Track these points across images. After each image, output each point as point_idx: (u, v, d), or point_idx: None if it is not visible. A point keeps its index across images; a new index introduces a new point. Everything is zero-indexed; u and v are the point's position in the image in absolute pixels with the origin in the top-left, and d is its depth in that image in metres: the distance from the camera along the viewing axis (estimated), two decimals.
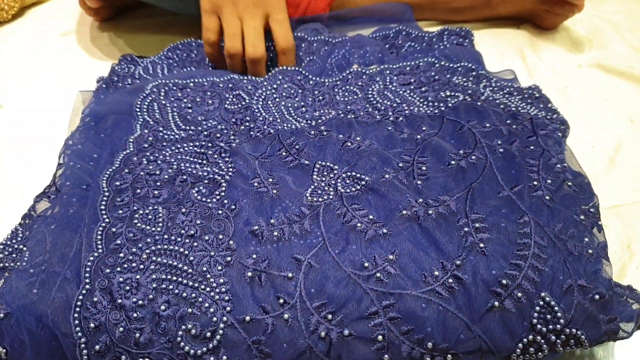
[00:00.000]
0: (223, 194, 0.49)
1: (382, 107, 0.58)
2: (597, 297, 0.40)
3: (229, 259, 0.43)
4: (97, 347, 0.40)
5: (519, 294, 0.39)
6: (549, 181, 0.47)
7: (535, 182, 0.47)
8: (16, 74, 0.81)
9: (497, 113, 0.55)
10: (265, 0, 0.65)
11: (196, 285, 0.42)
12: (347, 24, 0.79)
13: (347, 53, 0.69)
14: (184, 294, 0.41)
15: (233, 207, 0.47)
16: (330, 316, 0.39)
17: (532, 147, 0.51)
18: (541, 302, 0.39)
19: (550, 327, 0.39)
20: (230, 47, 0.65)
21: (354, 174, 0.49)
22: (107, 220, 0.47)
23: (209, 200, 0.48)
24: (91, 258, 0.44)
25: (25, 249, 0.47)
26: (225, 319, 0.40)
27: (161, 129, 0.57)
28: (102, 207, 0.48)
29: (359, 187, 0.48)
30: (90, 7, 0.85)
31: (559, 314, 0.39)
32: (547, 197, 0.45)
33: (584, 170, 0.50)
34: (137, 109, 0.59)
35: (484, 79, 0.62)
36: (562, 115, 0.56)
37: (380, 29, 0.76)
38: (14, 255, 0.47)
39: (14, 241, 0.49)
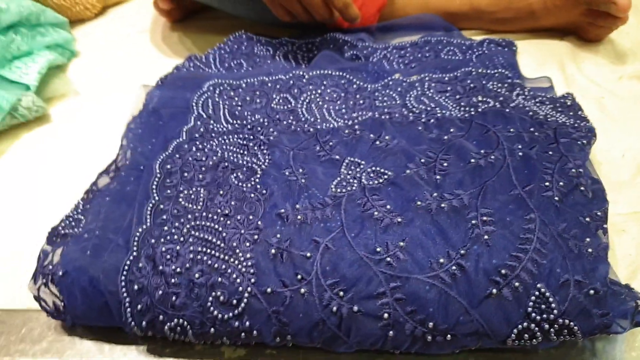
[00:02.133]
0: (258, 180, 0.54)
1: (417, 111, 0.62)
2: (592, 292, 0.42)
3: (256, 237, 0.48)
4: (139, 306, 0.46)
5: (517, 284, 0.42)
6: (561, 183, 0.49)
7: (547, 183, 0.49)
8: (94, 66, 0.90)
9: (523, 120, 0.57)
10: None
11: (226, 258, 0.47)
12: (392, 32, 0.83)
13: (388, 54, 0.74)
14: (216, 265, 0.46)
15: (264, 191, 0.52)
16: (342, 293, 0.44)
17: (551, 153, 0.53)
18: (537, 293, 0.42)
19: (545, 316, 0.42)
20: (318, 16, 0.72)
21: (378, 168, 0.53)
22: (156, 198, 0.53)
23: (244, 185, 0.54)
24: (140, 230, 0.50)
25: (82, 218, 0.54)
26: (249, 289, 0.45)
27: (212, 122, 0.63)
28: (154, 187, 0.54)
29: (381, 181, 0.52)
30: (163, 9, 0.93)
31: (553, 305, 0.42)
32: (557, 198, 0.48)
33: (600, 177, 0.51)
34: (194, 104, 0.66)
35: (518, 86, 0.64)
36: (591, 123, 0.58)
37: (423, 35, 0.79)
38: (73, 224, 0.54)
39: (75, 212, 0.56)
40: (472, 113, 0.60)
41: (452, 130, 0.57)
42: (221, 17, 0.95)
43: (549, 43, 0.79)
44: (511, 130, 0.55)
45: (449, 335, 0.42)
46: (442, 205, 0.48)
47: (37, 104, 0.77)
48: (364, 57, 0.76)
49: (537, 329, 0.42)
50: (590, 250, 0.44)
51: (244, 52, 0.79)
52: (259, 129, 0.61)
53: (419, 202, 0.48)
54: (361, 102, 0.65)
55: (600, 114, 0.67)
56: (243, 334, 0.45)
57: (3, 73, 0.77)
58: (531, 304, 0.42)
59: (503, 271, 0.43)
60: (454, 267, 0.43)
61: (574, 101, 0.62)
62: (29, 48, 0.82)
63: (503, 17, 0.79)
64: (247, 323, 0.44)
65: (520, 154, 0.52)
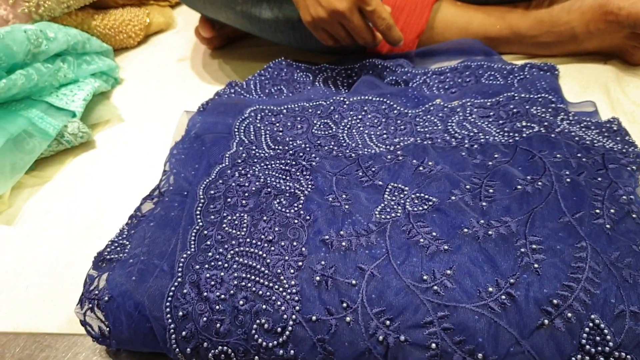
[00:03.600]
0: (301, 206, 0.54)
1: (460, 136, 0.62)
2: None
3: (300, 263, 0.48)
4: (183, 333, 0.46)
5: (569, 314, 0.41)
6: (612, 211, 0.48)
7: (597, 211, 0.48)
8: (137, 93, 0.92)
9: (569, 145, 0.57)
10: None
11: (271, 285, 0.47)
12: (431, 57, 0.83)
13: (427, 79, 0.74)
14: (260, 292, 0.46)
15: (308, 217, 0.52)
16: (388, 322, 0.43)
17: (599, 179, 0.52)
18: (591, 324, 0.41)
19: (599, 348, 0.40)
20: (315, 13, 0.72)
21: (422, 195, 0.53)
22: (200, 223, 0.53)
23: (287, 211, 0.54)
24: (184, 255, 0.50)
25: (128, 243, 0.55)
26: (294, 317, 0.44)
27: (254, 147, 0.64)
28: (197, 212, 0.55)
29: (426, 207, 0.51)
30: (204, 37, 0.95)
31: (608, 337, 0.40)
32: (608, 226, 0.47)
33: None
34: (236, 130, 0.66)
35: (562, 111, 0.63)
36: (639, 148, 0.57)
37: (463, 60, 0.79)
38: (118, 249, 0.55)
39: (120, 238, 0.57)
40: (517, 138, 0.59)
41: (496, 155, 0.56)
42: (261, 45, 0.97)
43: (592, 67, 0.78)
44: (557, 155, 0.54)
45: None
46: (490, 232, 0.47)
47: (82, 130, 0.79)
48: (403, 83, 0.77)
49: None
50: None
51: (284, 78, 0.80)
52: (301, 154, 0.61)
53: (465, 229, 0.48)
54: (402, 127, 0.65)
55: None
56: None
57: (50, 100, 0.79)
58: (585, 335, 0.40)
59: (555, 301, 0.41)
60: (503, 297, 0.42)
61: (620, 126, 0.61)
62: (75, 76, 0.84)
63: (544, 41, 0.79)
64: (292, 351, 0.44)
65: (568, 180, 0.51)
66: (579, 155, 0.55)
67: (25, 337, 0.55)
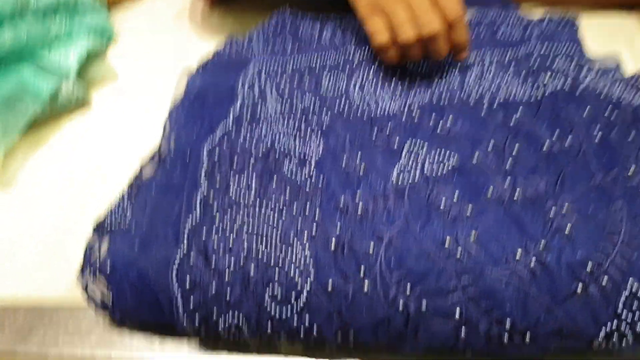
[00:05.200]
0: (312, 169, 0.51)
1: (478, 94, 0.58)
2: None
3: (314, 230, 0.45)
4: (191, 304, 0.43)
5: (605, 281, 0.38)
6: None
7: (631, 171, 0.45)
8: (133, 51, 0.88)
9: (597, 101, 0.53)
10: None
11: (283, 253, 0.44)
12: None
13: None
14: (272, 261, 0.44)
15: (320, 182, 0.49)
16: (408, 289, 0.41)
17: (630, 137, 0.49)
18: (628, 290, 0.38)
19: (637, 316, 0.38)
20: (403, 36, 0.58)
21: (442, 156, 0.50)
22: (205, 189, 0.50)
23: (298, 175, 0.51)
24: (190, 222, 0.47)
25: (128, 210, 0.52)
26: (308, 286, 0.42)
27: (259, 108, 0.60)
28: (202, 177, 0.52)
29: (446, 169, 0.48)
30: None
31: None
32: None
33: None
34: (239, 88, 0.63)
35: (586, 66, 0.60)
36: None
37: (478, 10, 0.75)
38: (119, 217, 0.52)
39: (120, 204, 0.54)
40: (540, 95, 0.56)
41: (518, 113, 0.53)
42: None
43: (615, 17, 0.74)
44: (585, 112, 0.51)
45: (528, 335, 0.39)
46: (516, 194, 0.44)
47: (77, 90, 0.75)
48: None
49: (628, 329, 0.38)
50: None
51: (289, 31, 0.76)
52: (310, 114, 0.58)
53: (490, 192, 0.45)
54: (416, 83, 0.62)
55: None
56: (302, 332, 0.42)
57: (42, 60, 0.75)
58: (622, 302, 0.38)
59: (589, 266, 0.39)
60: (533, 262, 0.40)
61: None
62: (68, 33, 0.80)
63: None
64: (307, 322, 0.42)
65: (597, 138, 0.48)
66: (607, 111, 0.51)
67: (25, 305, 0.53)
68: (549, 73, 0.59)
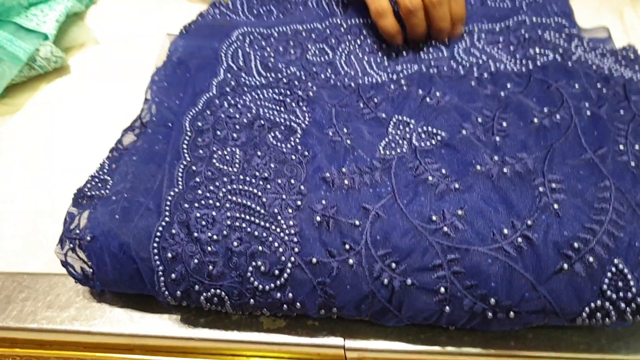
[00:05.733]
0: (298, 140, 0.50)
1: (467, 64, 0.57)
2: None
3: (299, 202, 0.44)
4: (172, 275, 0.42)
5: (591, 259, 0.38)
6: (636, 147, 0.44)
7: (621, 147, 0.44)
8: (114, 14, 0.85)
9: (588, 75, 0.52)
10: None
11: (267, 225, 0.43)
12: None
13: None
14: (256, 233, 0.43)
15: (306, 153, 0.48)
16: (394, 265, 0.40)
17: (622, 112, 0.48)
18: (614, 269, 0.38)
19: (621, 294, 0.38)
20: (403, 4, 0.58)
21: (430, 128, 0.49)
22: (188, 158, 0.49)
23: (284, 145, 0.49)
24: (172, 193, 0.46)
25: (109, 179, 0.51)
26: (293, 259, 0.41)
27: (243, 75, 0.59)
28: (184, 146, 0.50)
29: (434, 142, 0.47)
30: None
31: (631, 282, 0.38)
32: (633, 164, 0.43)
33: None
34: (222, 55, 0.61)
35: (576, 37, 0.59)
36: None
37: None
38: (99, 185, 0.51)
39: (100, 173, 0.52)
40: (530, 67, 0.54)
41: (508, 85, 0.52)
42: None
43: None
44: (576, 86, 0.50)
45: (512, 313, 0.39)
46: (504, 169, 0.44)
47: (55, 54, 0.73)
48: None
49: (611, 307, 0.38)
50: None
51: None
52: (296, 83, 0.56)
53: (477, 167, 0.44)
54: (404, 53, 0.60)
55: None
56: (285, 305, 0.42)
57: (19, 21, 0.72)
58: (607, 280, 0.38)
59: (575, 244, 0.39)
60: (519, 239, 0.39)
61: (637, 54, 0.57)
62: None
63: None
64: (290, 295, 0.41)
65: (588, 112, 0.47)
66: (598, 85, 0.51)
67: (3, 277, 0.51)
68: (540, 43, 0.58)
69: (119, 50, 0.77)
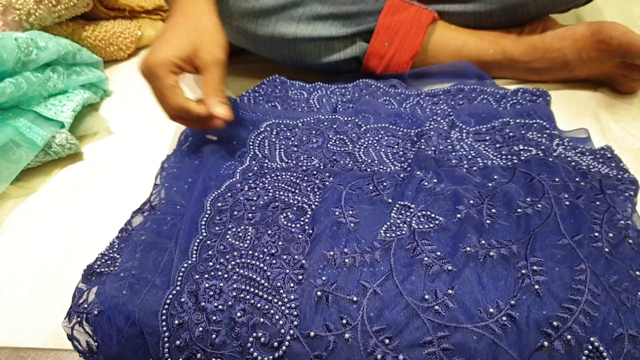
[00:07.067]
0: (307, 220, 0.54)
1: (457, 157, 0.62)
2: None
3: (300, 277, 0.47)
4: (177, 342, 0.45)
5: (569, 337, 0.41)
6: (610, 235, 0.48)
7: (596, 234, 0.48)
8: (127, 105, 0.91)
9: (567, 170, 0.57)
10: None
11: (270, 298, 0.46)
12: (424, 78, 0.83)
13: (421, 101, 0.74)
14: (259, 305, 0.46)
15: (311, 232, 0.52)
16: (387, 340, 0.43)
17: (597, 203, 0.52)
18: (590, 347, 0.41)
19: None
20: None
21: (429, 212, 0.52)
22: (204, 234, 0.53)
23: (293, 225, 0.53)
24: (185, 265, 0.50)
25: (118, 257, 0.54)
26: (292, 332, 0.44)
27: (267, 161, 0.64)
28: (203, 223, 0.54)
29: (432, 226, 0.51)
30: None
31: None
32: (607, 250, 0.47)
33: None
34: (250, 143, 0.67)
35: (557, 137, 0.64)
36: (632, 175, 0.58)
37: (456, 83, 0.79)
38: (109, 263, 0.54)
39: (110, 251, 0.56)
40: (515, 161, 0.59)
41: (495, 177, 0.57)
42: (255, 61, 0.96)
43: (582, 94, 0.79)
44: (556, 179, 0.55)
45: None
46: (491, 253, 0.47)
47: (70, 141, 0.77)
48: (397, 104, 0.77)
49: None
50: None
51: (278, 95, 0.80)
52: (315, 172, 0.61)
53: (468, 248, 0.48)
54: (409, 145, 0.66)
55: (637, 166, 0.66)
56: None
57: (38, 110, 0.78)
58: (584, 358, 0.41)
59: (555, 323, 0.42)
60: (504, 318, 0.42)
61: (613, 153, 0.62)
62: (64, 86, 0.83)
63: (537, 67, 0.80)
64: None
65: (567, 203, 0.51)
66: (576, 179, 0.55)
67: (8, 351, 0.53)
68: (524, 141, 0.63)
69: (130, 139, 0.82)
